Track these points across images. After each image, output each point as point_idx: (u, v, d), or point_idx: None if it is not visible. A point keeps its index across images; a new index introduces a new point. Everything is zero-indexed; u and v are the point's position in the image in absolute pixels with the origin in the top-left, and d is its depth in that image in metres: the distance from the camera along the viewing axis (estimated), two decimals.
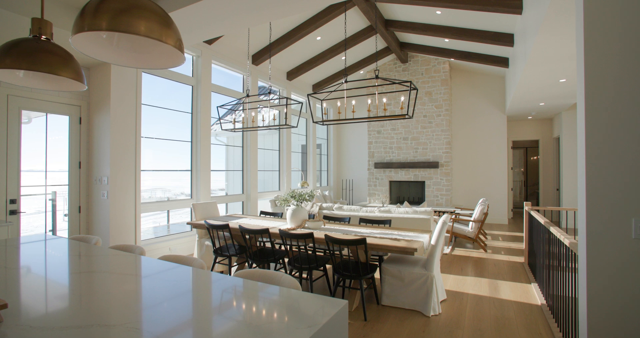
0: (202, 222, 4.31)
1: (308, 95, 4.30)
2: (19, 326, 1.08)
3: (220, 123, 5.63)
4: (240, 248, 3.93)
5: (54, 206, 4.05)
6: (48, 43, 1.64)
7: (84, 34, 1.27)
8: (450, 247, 5.68)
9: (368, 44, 7.59)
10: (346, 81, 3.93)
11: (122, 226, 4.30)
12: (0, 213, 3.51)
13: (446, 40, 6.87)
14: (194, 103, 5.64)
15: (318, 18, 5.91)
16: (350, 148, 10.40)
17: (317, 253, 3.83)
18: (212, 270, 4.09)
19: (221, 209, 6.22)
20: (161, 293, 1.41)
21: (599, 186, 1.74)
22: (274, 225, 4.11)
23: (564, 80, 5.20)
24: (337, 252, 3.59)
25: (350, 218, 4.53)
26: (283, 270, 3.93)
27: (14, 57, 1.53)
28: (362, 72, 9.17)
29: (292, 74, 7.91)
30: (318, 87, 9.06)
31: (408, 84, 4.09)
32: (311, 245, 3.68)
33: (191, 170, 5.59)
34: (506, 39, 5.78)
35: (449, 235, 5.81)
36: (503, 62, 6.89)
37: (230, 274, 3.96)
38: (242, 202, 6.82)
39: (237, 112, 6.19)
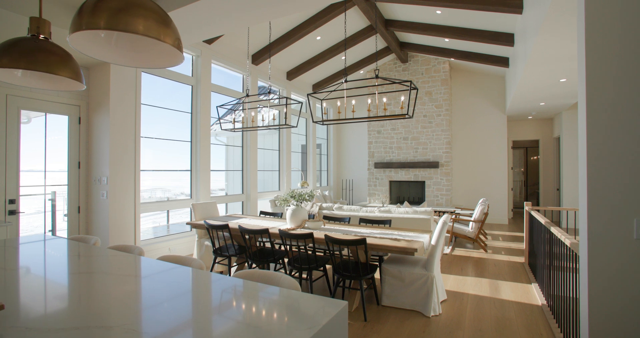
0: (202, 222, 4.30)
1: (308, 95, 4.29)
2: (16, 328, 1.07)
3: (220, 123, 5.62)
4: (240, 248, 3.92)
5: (53, 206, 4.04)
6: (46, 42, 1.63)
7: (81, 32, 1.26)
8: (450, 247, 5.67)
9: (368, 43, 7.59)
10: (346, 81, 3.92)
11: (122, 227, 4.29)
12: None
13: (446, 40, 6.86)
14: (194, 103, 5.63)
15: (318, 18, 5.90)
16: (350, 148, 10.39)
17: (317, 254, 3.82)
18: (211, 270, 4.08)
19: (221, 210, 6.21)
20: (160, 294, 1.40)
21: (600, 186, 1.73)
22: (274, 225, 4.10)
23: (565, 80, 5.19)
24: (337, 252, 3.58)
25: (350, 218, 4.52)
26: (283, 270, 3.92)
27: (12, 57, 1.52)
28: (362, 72, 9.17)
29: (292, 74, 7.90)
30: (318, 87, 9.05)
31: (408, 83, 4.08)
32: (311, 245, 3.68)
33: (191, 170, 5.58)
34: (506, 38, 5.77)
35: (449, 235, 5.80)
36: (503, 62, 6.88)
37: (229, 274, 3.96)
38: (242, 202, 6.82)
39: (236, 112, 6.19)
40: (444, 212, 6.64)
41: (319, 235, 3.48)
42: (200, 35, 3.74)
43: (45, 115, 3.97)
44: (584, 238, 1.81)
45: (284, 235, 3.35)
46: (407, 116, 3.82)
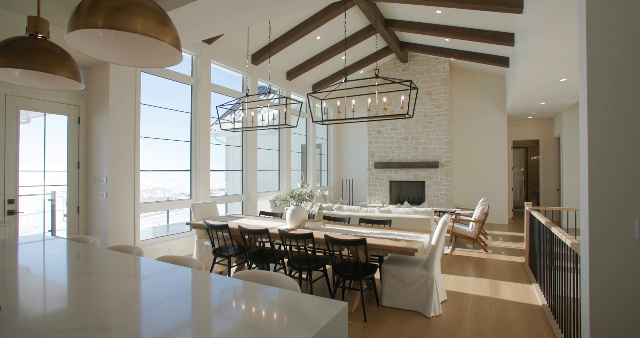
0: (202, 222, 4.30)
1: (308, 94, 4.28)
2: (13, 329, 1.06)
3: (220, 123, 5.61)
4: (240, 249, 3.91)
5: (53, 207, 4.03)
6: (44, 42, 1.62)
7: (79, 31, 1.25)
8: (450, 247, 5.67)
9: (368, 43, 7.58)
10: (346, 81, 3.91)
11: (121, 227, 4.28)
12: None
13: (446, 39, 6.86)
14: (194, 103, 5.62)
15: (318, 17, 5.89)
16: (350, 147, 10.38)
17: (317, 254, 3.81)
18: (211, 270, 4.07)
19: (221, 210, 6.20)
20: (159, 294, 1.39)
21: (602, 186, 1.73)
22: (274, 225, 4.09)
23: (565, 79, 5.18)
24: (337, 252, 3.57)
25: (350, 218, 4.51)
26: (283, 271, 3.92)
27: (9, 56, 1.51)
28: (362, 71, 9.16)
29: (292, 73, 7.89)
30: (318, 87, 9.05)
31: (408, 83, 4.07)
32: (311, 245, 3.66)
33: (190, 170, 5.57)
34: (507, 38, 5.76)
35: (449, 235, 5.79)
36: (503, 61, 6.87)
37: (229, 274, 3.95)
38: (242, 202, 6.81)
39: (236, 112, 6.18)
40: (444, 212, 6.63)
41: (318, 235, 3.47)
42: (199, 34, 3.73)
43: (45, 115, 3.96)
44: (585, 237, 1.80)
45: (283, 235, 3.34)
46: (407, 116, 3.81)
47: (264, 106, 5.89)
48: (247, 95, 4.67)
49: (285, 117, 4.78)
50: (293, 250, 3.82)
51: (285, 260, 4.22)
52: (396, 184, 9.04)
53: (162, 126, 5.22)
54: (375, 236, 3.45)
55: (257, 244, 4.11)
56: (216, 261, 4.10)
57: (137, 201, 4.49)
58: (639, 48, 1.66)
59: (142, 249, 2.15)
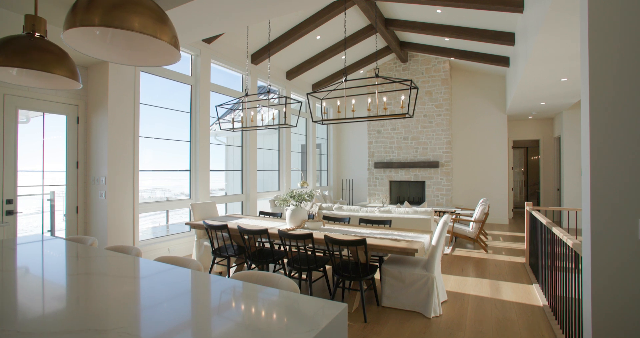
0: (201, 222, 4.28)
1: (307, 94, 4.26)
2: (6, 331, 1.04)
3: (220, 123, 5.60)
4: (239, 249, 3.90)
5: (52, 207, 4.01)
6: (42, 40, 1.61)
7: (76, 29, 1.24)
8: (450, 247, 5.65)
9: (368, 43, 7.56)
10: (346, 80, 3.90)
11: (120, 227, 4.27)
12: None
13: (446, 39, 6.84)
14: (193, 103, 5.60)
15: (317, 17, 5.88)
16: (350, 147, 10.37)
17: (317, 254, 3.80)
18: (210, 270, 4.06)
19: (220, 210, 6.19)
20: (158, 295, 1.37)
21: (604, 186, 1.71)
22: (273, 226, 4.08)
23: (565, 79, 5.17)
24: (337, 253, 3.55)
25: (350, 218, 4.49)
26: (282, 271, 3.90)
27: (6, 55, 1.49)
28: (362, 71, 9.14)
29: (292, 73, 7.88)
30: (318, 86, 9.03)
31: (408, 82, 4.05)
32: (310, 245, 3.65)
33: (190, 170, 5.56)
34: (507, 38, 5.75)
35: (449, 235, 5.78)
36: (504, 61, 6.86)
37: (229, 275, 3.94)
38: (242, 202, 6.79)
39: (236, 111, 6.17)
40: (444, 212, 6.62)
41: (318, 235, 3.46)
42: (199, 34, 3.72)
43: (44, 115, 3.95)
44: (587, 237, 1.79)
45: (283, 235, 3.32)
46: (407, 116, 3.80)
47: (263, 106, 5.88)
48: (246, 95, 4.66)
49: (285, 117, 4.76)
50: (293, 250, 3.80)
51: (285, 261, 4.21)
52: (396, 184, 9.03)
53: (162, 126, 5.21)
54: (375, 236, 3.43)
55: (257, 244, 4.09)
56: (215, 261, 4.09)
57: (137, 201, 4.47)
58: None
59: (140, 249, 2.14)
